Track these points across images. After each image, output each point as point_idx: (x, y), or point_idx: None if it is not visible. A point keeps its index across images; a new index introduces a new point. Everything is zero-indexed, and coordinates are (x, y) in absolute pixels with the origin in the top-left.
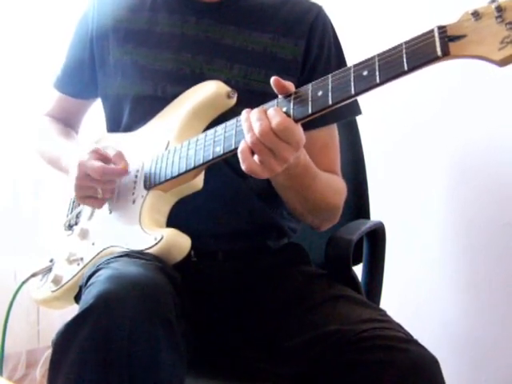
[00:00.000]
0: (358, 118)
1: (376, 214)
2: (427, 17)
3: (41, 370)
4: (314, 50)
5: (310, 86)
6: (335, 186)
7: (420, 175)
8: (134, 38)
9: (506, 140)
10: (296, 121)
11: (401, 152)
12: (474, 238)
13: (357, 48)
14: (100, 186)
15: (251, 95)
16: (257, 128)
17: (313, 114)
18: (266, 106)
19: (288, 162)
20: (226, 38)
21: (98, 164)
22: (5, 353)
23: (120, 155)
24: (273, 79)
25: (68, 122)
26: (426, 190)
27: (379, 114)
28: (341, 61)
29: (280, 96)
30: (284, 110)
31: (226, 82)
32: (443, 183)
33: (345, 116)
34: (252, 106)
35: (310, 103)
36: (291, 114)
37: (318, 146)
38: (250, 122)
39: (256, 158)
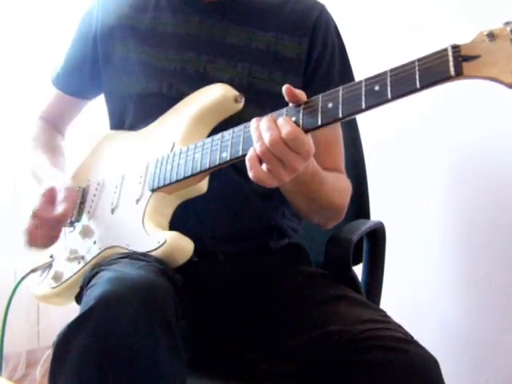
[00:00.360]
0: (359, 118)
1: (376, 214)
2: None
3: (41, 370)
4: (317, 48)
5: (320, 97)
6: (340, 187)
7: (420, 175)
8: (138, 36)
9: (506, 140)
10: (305, 131)
11: (401, 152)
12: (474, 238)
13: (358, 47)
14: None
15: (255, 94)
16: (267, 137)
17: (322, 125)
18: (274, 114)
19: (297, 172)
20: (229, 36)
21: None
22: (5, 353)
23: (65, 199)
24: (285, 88)
25: (60, 120)
26: (426, 190)
27: (379, 113)
28: (344, 60)
29: (290, 104)
30: (293, 119)
31: (230, 81)
32: (443, 183)
33: None
34: (256, 105)
35: (319, 114)
36: (300, 123)
37: (322, 144)
38: (260, 130)
39: (264, 166)
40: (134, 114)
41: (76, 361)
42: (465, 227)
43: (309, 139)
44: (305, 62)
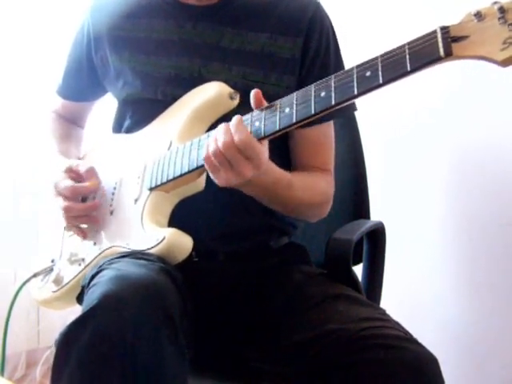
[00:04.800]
0: (358, 118)
1: (376, 214)
2: (429, 17)
3: (41, 370)
4: (312, 48)
5: (312, 87)
6: (316, 187)
7: (420, 175)
8: (130, 45)
9: (506, 140)
10: (265, 137)
11: (401, 152)
12: (475, 237)
13: (355, 45)
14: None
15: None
16: (221, 140)
17: (315, 114)
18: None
19: (245, 178)
20: (223, 40)
21: (69, 183)
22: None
23: (90, 171)
24: (254, 92)
25: (74, 120)
26: (427, 189)
27: (379, 113)
28: (338, 57)
29: (255, 110)
30: (257, 124)
31: (225, 84)
32: (443, 183)
33: (339, 114)
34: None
35: (312, 104)
36: (262, 128)
37: (311, 144)
38: (217, 133)
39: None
40: (130, 118)
41: (78, 360)
42: (465, 227)
43: (261, 148)
44: (300, 62)
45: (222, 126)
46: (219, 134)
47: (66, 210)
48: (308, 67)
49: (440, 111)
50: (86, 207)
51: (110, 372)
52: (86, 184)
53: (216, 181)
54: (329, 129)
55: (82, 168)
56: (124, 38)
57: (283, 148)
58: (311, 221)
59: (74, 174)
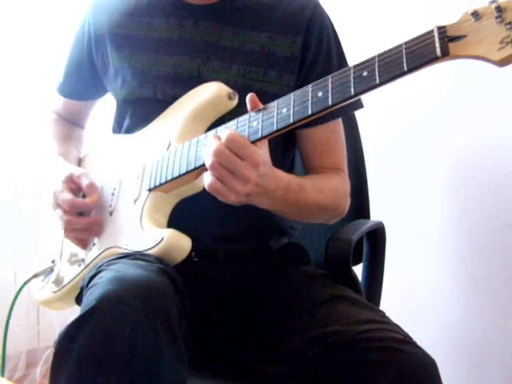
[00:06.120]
0: (359, 118)
1: (376, 214)
2: (427, 17)
3: (41, 370)
4: (312, 46)
5: (310, 87)
6: (329, 186)
7: (420, 175)
8: (131, 44)
9: (506, 140)
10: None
11: (401, 152)
12: (474, 238)
13: (354, 45)
14: (71, 218)
15: None
16: (212, 149)
17: (312, 114)
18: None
19: (250, 182)
20: (223, 39)
21: (68, 197)
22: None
23: (91, 186)
24: (249, 96)
25: (75, 120)
26: (427, 190)
27: (380, 113)
28: (341, 55)
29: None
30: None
31: (225, 83)
32: (443, 183)
33: (345, 111)
34: None
35: (310, 105)
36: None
37: (319, 143)
38: (206, 151)
39: (219, 182)
40: (130, 118)
41: (77, 360)
42: (465, 227)
43: (248, 144)
44: (299, 61)
45: (208, 138)
46: (209, 147)
47: (66, 223)
48: (309, 66)
49: (440, 111)
50: (86, 222)
51: (109, 373)
52: (86, 201)
53: (227, 199)
54: (337, 126)
55: (84, 181)
56: (125, 36)
57: (289, 154)
58: (331, 223)
59: (73, 185)
